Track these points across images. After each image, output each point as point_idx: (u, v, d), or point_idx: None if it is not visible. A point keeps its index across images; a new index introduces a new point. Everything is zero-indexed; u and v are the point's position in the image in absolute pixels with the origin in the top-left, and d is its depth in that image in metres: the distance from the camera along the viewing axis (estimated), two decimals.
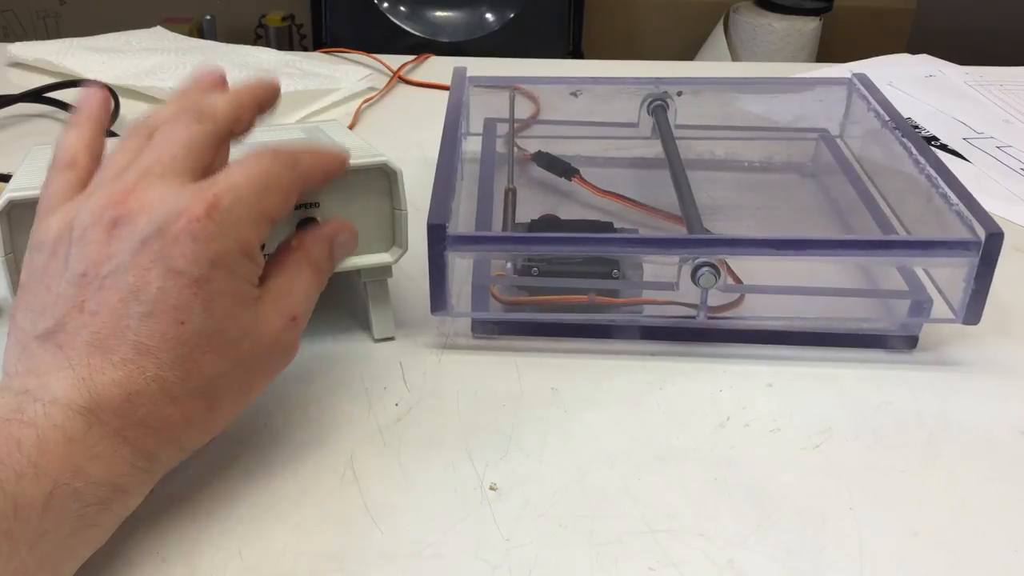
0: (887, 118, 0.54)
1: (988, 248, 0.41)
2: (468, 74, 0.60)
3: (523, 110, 0.62)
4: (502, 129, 0.61)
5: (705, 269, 0.42)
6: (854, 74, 0.61)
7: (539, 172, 0.60)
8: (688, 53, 2.06)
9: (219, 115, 0.36)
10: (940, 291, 0.45)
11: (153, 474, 0.33)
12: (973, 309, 0.43)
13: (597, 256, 0.45)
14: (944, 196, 0.45)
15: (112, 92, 0.73)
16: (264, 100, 0.39)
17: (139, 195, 0.33)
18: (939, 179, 0.46)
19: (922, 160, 0.49)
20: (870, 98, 0.57)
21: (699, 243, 0.43)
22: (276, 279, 0.36)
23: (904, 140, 0.51)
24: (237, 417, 0.35)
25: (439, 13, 1.90)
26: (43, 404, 0.30)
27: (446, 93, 0.58)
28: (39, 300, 0.33)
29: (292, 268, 0.37)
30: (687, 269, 0.43)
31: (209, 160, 0.35)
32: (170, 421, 0.32)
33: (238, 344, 0.33)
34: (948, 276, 0.44)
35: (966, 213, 0.43)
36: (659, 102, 0.60)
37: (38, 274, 0.34)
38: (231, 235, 0.33)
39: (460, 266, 0.46)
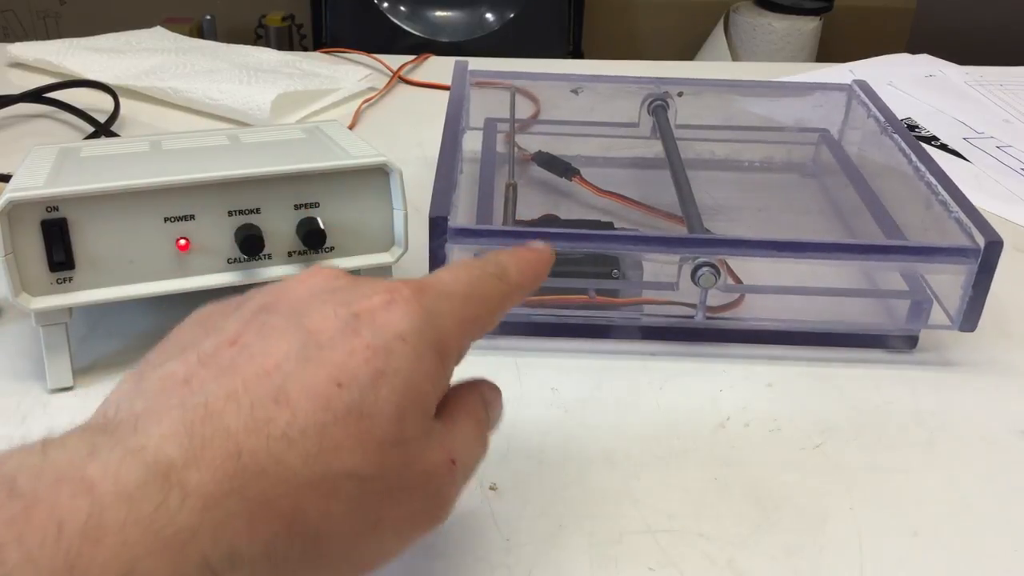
0: (887, 124, 0.54)
1: (987, 256, 0.41)
2: (468, 71, 0.60)
3: (523, 110, 0.62)
4: (502, 128, 0.61)
5: (705, 269, 0.42)
6: (854, 80, 0.61)
7: (539, 172, 0.60)
8: (688, 53, 2.06)
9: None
10: (937, 298, 0.45)
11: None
12: (970, 316, 0.43)
13: (597, 255, 0.45)
14: (944, 203, 0.46)
15: (112, 92, 0.73)
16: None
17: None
18: (939, 186, 0.47)
19: (922, 167, 0.49)
20: (870, 104, 0.57)
21: (699, 243, 0.43)
22: (445, 415, 0.29)
23: (904, 146, 0.51)
24: (362, 573, 0.27)
25: (439, 13, 1.90)
26: (121, 452, 0.22)
27: (446, 93, 0.58)
28: (188, 338, 0.28)
29: (455, 413, 0.30)
30: (687, 269, 0.43)
31: None
32: (273, 502, 0.23)
33: (389, 448, 0.25)
34: (946, 282, 0.44)
35: (965, 220, 0.43)
36: (659, 102, 0.60)
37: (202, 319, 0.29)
38: (430, 320, 0.27)
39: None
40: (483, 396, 0.32)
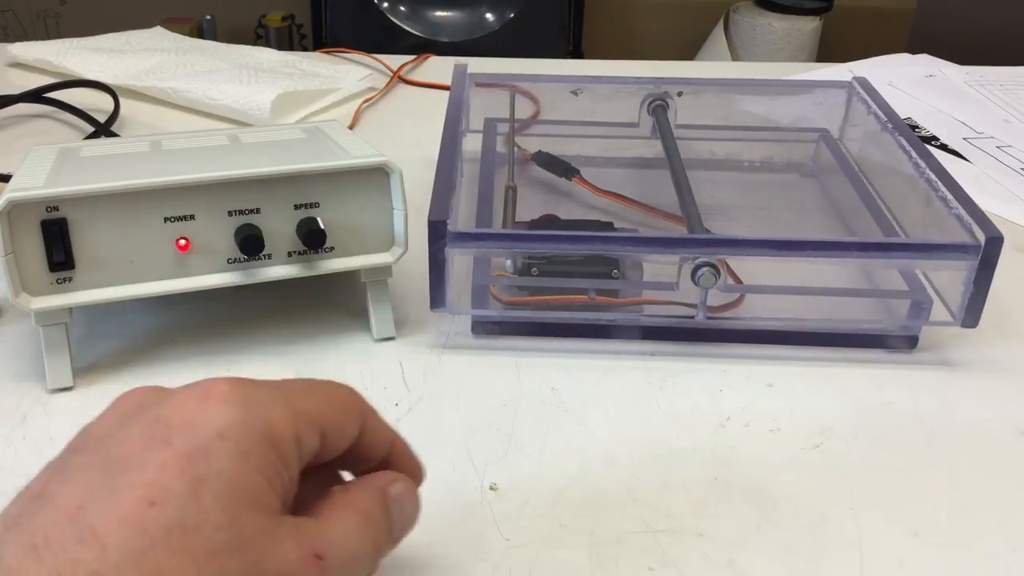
0: (887, 121, 0.54)
1: (988, 252, 0.41)
2: (468, 72, 0.60)
3: (523, 110, 0.62)
4: (502, 129, 0.61)
5: (705, 269, 0.42)
6: (854, 77, 0.61)
7: (539, 172, 0.60)
8: (688, 53, 2.06)
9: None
10: (939, 294, 0.45)
11: None
12: (972, 312, 0.43)
13: (597, 256, 0.45)
14: (944, 199, 0.45)
15: (112, 92, 0.73)
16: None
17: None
18: (939, 183, 0.47)
19: (922, 163, 0.49)
20: (870, 101, 0.57)
21: (699, 243, 0.43)
22: (314, 510, 0.27)
23: (904, 143, 0.51)
24: None
25: (439, 13, 1.90)
26: None
27: (446, 93, 0.58)
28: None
29: (332, 508, 0.27)
30: (687, 269, 0.43)
31: None
32: None
33: (225, 556, 0.23)
34: (947, 279, 0.44)
35: (966, 217, 0.43)
36: (659, 102, 0.60)
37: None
38: (254, 412, 0.25)
39: (460, 266, 0.46)
40: (382, 490, 0.29)
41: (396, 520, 0.29)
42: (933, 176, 0.47)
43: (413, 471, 0.31)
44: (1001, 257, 0.42)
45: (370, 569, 0.27)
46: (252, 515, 0.24)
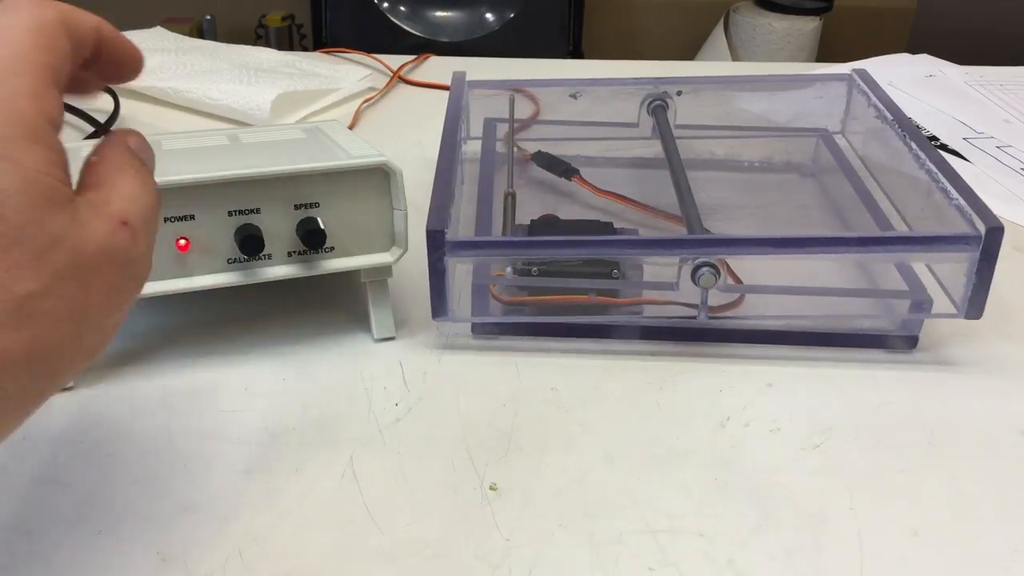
0: (887, 114, 0.54)
1: (989, 242, 0.41)
2: (468, 75, 0.60)
3: (523, 110, 0.62)
4: (502, 129, 0.61)
5: (705, 269, 0.42)
6: (854, 70, 0.61)
7: (539, 172, 0.60)
8: (688, 53, 2.06)
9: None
10: (942, 286, 0.45)
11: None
12: (975, 303, 0.43)
13: (597, 256, 0.45)
14: (944, 191, 0.45)
15: (112, 92, 0.73)
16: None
17: None
18: (939, 174, 0.46)
19: (922, 155, 0.49)
20: (870, 94, 0.57)
21: (699, 243, 0.43)
22: (91, 185, 0.29)
23: (904, 136, 0.51)
24: (104, 346, 0.29)
25: (439, 13, 1.90)
26: None
27: (446, 93, 0.58)
28: None
29: (104, 174, 0.30)
30: (687, 269, 0.43)
31: None
32: None
33: (51, 255, 0.26)
34: (949, 271, 0.44)
35: (966, 208, 0.43)
36: (659, 102, 0.60)
37: None
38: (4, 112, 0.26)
39: (460, 268, 0.46)
40: (126, 145, 0.31)
41: (148, 161, 0.31)
42: (933, 167, 0.47)
43: (131, 52, 0.31)
44: (1001, 257, 0.42)
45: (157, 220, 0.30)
46: (51, 212, 0.26)
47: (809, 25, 1.91)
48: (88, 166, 0.30)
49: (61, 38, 0.28)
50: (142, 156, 0.31)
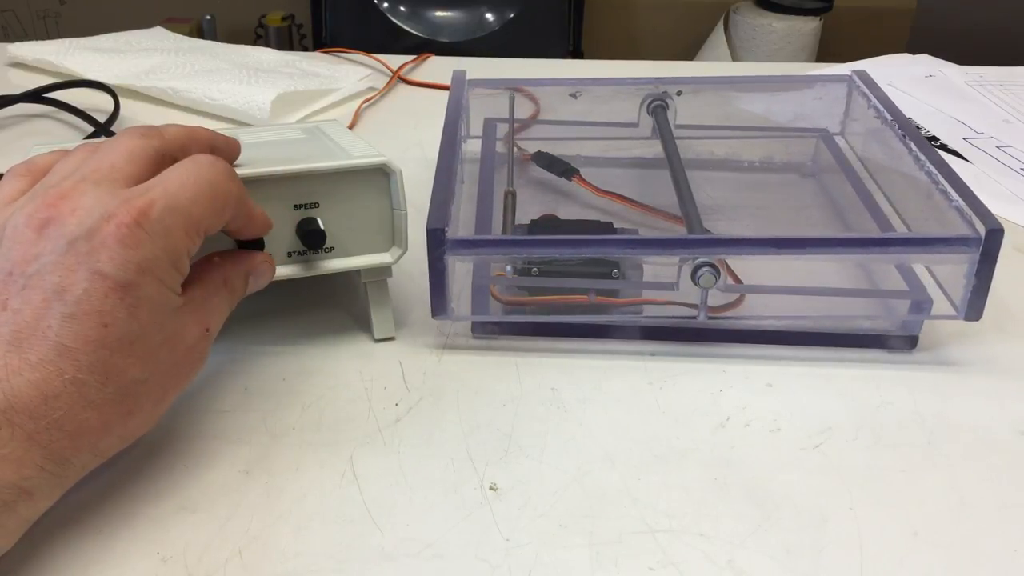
0: (887, 115, 0.54)
1: (989, 244, 0.41)
2: (468, 75, 0.60)
3: (523, 110, 0.62)
4: (502, 129, 0.61)
5: (705, 269, 0.42)
6: (854, 71, 0.61)
7: (539, 172, 0.60)
8: (688, 53, 2.06)
9: (167, 135, 0.37)
10: (941, 287, 0.45)
11: (64, 479, 0.32)
12: (975, 305, 0.43)
13: (597, 256, 0.45)
14: (944, 192, 0.45)
15: (112, 92, 0.73)
16: (217, 146, 0.39)
17: (73, 199, 0.33)
18: (939, 175, 0.46)
19: (922, 157, 0.49)
20: (870, 95, 0.57)
21: (699, 243, 0.43)
22: (196, 290, 0.36)
23: (904, 137, 0.51)
24: (151, 426, 0.35)
25: (439, 13, 1.90)
26: None
27: (446, 93, 0.58)
28: None
29: (211, 283, 0.37)
30: (687, 269, 0.43)
31: (149, 173, 0.35)
32: (86, 426, 0.32)
33: (158, 351, 0.33)
34: (949, 272, 0.44)
35: (966, 209, 0.43)
36: (659, 102, 0.60)
37: None
38: (159, 243, 0.33)
39: (460, 267, 0.46)
40: (246, 271, 0.39)
41: (251, 288, 0.40)
42: (933, 169, 0.47)
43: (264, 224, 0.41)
44: (1001, 257, 0.42)
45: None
46: (168, 318, 0.34)
47: (809, 25, 1.91)
48: (201, 266, 0.38)
49: (229, 209, 0.37)
50: (249, 284, 0.40)
